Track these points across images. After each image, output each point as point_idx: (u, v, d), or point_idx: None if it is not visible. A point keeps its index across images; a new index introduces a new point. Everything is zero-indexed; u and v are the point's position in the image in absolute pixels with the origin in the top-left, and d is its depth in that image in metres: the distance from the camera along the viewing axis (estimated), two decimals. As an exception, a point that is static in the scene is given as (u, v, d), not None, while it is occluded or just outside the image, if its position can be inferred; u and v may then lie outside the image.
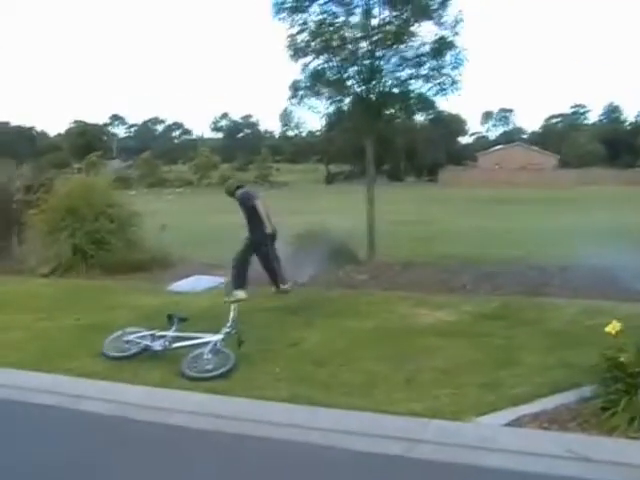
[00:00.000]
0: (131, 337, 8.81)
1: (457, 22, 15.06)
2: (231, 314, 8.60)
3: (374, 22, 15.14)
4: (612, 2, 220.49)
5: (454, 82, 15.52)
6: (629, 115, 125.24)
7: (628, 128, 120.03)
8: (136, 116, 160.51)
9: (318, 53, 15.28)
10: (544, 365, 7.82)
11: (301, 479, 5.49)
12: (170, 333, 8.70)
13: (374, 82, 15.21)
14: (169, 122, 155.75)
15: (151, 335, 8.75)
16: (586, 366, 6.92)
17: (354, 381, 7.54)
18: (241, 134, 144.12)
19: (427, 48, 15.28)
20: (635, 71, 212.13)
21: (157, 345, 8.57)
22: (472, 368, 7.86)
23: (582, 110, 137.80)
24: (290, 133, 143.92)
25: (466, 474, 5.44)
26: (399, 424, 6.34)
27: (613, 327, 6.48)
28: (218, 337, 8.31)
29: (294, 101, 17.06)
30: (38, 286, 14.27)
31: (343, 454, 5.81)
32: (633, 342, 6.45)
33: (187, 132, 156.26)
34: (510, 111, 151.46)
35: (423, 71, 15.45)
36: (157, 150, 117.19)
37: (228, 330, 8.42)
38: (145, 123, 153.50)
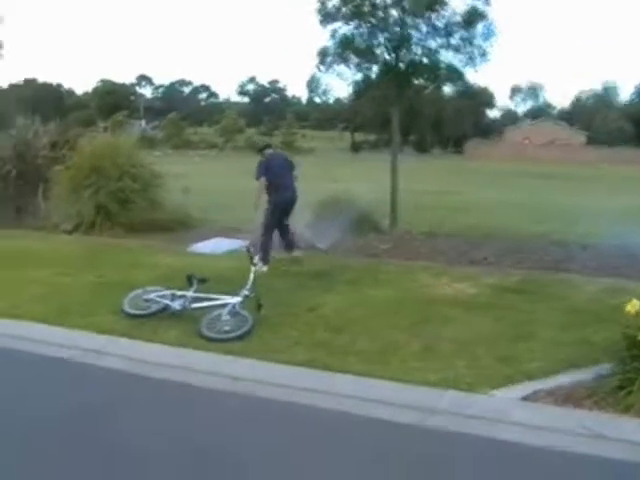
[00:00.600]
0: (151, 295, 8.87)
1: (489, -8, 14.86)
2: (251, 277, 8.63)
3: (406, -12, 14.94)
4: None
5: (484, 54, 15.35)
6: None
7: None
8: (163, 77, 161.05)
9: (348, 19, 15.13)
10: (562, 341, 7.78)
11: (313, 443, 5.50)
12: (189, 293, 8.75)
13: (403, 51, 15.08)
14: (196, 84, 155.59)
15: (171, 294, 8.81)
16: (605, 344, 6.92)
17: (371, 348, 7.56)
18: (268, 99, 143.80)
19: (458, 18, 15.10)
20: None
21: (176, 305, 8.63)
22: (490, 341, 7.84)
23: (613, 88, 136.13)
24: (317, 100, 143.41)
25: (479, 446, 5.44)
26: (414, 393, 6.36)
27: (633, 306, 6.43)
28: (237, 299, 8.35)
29: (322, 67, 16.91)
30: (61, 243, 14.37)
31: (357, 420, 5.83)
32: (653, 322, 6.41)
33: (214, 95, 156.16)
34: (540, 86, 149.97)
35: (453, 41, 15.29)
36: (183, 112, 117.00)
37: (247, 293, 8.46)
38: (172, 84, 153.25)
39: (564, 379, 6.64)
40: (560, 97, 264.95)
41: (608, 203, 24.88)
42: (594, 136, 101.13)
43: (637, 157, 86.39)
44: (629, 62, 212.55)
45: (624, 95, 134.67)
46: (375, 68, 16.49)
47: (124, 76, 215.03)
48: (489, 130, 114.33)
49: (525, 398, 6.28)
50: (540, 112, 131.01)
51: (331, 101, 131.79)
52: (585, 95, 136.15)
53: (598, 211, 19.81)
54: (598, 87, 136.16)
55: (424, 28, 15.06)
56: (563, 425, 5.75)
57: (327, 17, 15.18)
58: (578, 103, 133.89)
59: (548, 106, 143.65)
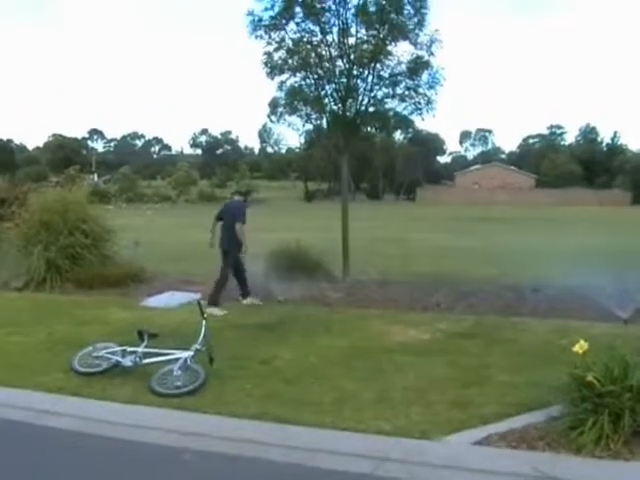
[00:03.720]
0: (101, 352, 8.74)
1: (433, 42, 15.13)
2: (202, 330, 8.57)
3: (351, 41, 15.16)
4: (588, 27, 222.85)
5: (429, 102, 15.58)
6: (605, 136, 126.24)
7: (604, 149, 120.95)
8: (115, 130, 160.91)
9: (295, 70, 15.30)
10: (514, 384, 7.84)
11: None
12: (140, 349, 8.64)
13: (350, 100, 15.25)
14: (148, 137, 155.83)
15: (122, 351, 8.68)
16: (555, 385, 6.95)
17: (324, 399, 7.52)
18: (220, 150, 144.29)
19: (403, 67, 15.35)
20: (610, 93, 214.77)
21: (127, 361, 8.51)
22: (443, 386, 7.87)
23: (559, 131, 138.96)
24: (269, 150, 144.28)
25: (434, 493, 5.43)
26: (367, 442, 6.33)
27: (580, 346, 6.51)
28: (188, 354, 8.26)
29: (273, 118, 17.17)
30: (10, 300, 14.15)
31: (309, 472, 5.78)
32: (601, 362, 6.48)
33: (166, 147, 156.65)
34: (488, 131, 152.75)
35: (399, 90, 15.51)
36: (136, 165, 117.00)
37: (198, 347, 8.38)
38: (124, 138, 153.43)
39: (517, 422, 6.67)
40: (507, 141, 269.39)
41: (559, 244, 25.29)
42: (543, 179, 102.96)
43: (586, 198, 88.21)
44: (573, 105, 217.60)
45: (570, 137, 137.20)
46: (324, 118, 16.66)
47: (75, 130, 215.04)
48: (440, 176, 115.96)
49: (478, 442, 6.29)
50: (489, 156, 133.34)
51: (283, 151, 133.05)
52: (532, 139, 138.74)
53: (549, 253, 20.12)
54: (544, 130, 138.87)
55: (370, 78, 15.25)
56: (516, 468, 5.76)
57: (274, 69, 15.33)
58: (526, 147, 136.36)
59: (497, 150, 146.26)
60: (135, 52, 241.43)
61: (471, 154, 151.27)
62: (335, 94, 15.28)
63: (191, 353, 8.27)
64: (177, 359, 8.22)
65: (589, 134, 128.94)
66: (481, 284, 14.83)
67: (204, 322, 8.65)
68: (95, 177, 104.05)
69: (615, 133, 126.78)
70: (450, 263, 19.55)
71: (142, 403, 7.54)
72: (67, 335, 10.64)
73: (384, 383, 8.05)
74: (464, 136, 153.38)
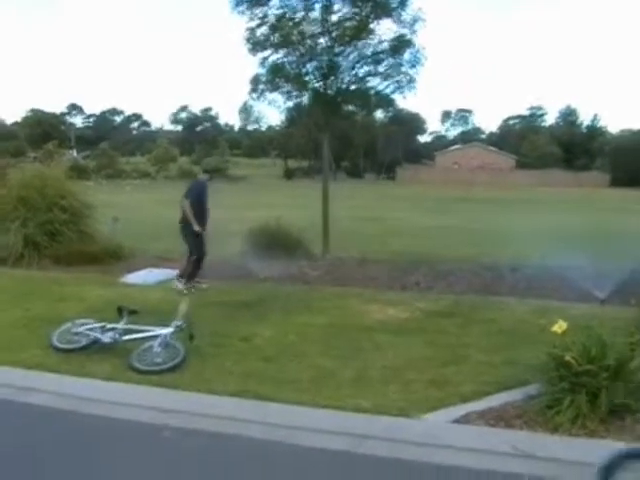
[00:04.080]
0: (81, 329, 8.70)
1: (416, 20, 15.10)
2: (182, 307, 8.55)
3: (333, 18, 15.10)
4: (571, 8, 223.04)
5: (411, 80, 15.58)
6: (585, 119, 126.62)
7: (584, 131, 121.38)
8: (94, 106, 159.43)
9: (277, 47, 15.23)
10: (492, 363, 7.90)
11: (245, 475, 5.46)
12: (120, 325, 8.63)
13: (332, 78, 15.20)
14: (128, 113, 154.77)
15: (101, 327, 8.65)
16: (533, 365, 7.01)
17: (303, 377, 7.55)
18: (200, 127, 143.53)
19: (385, 46, 15.31)
20: (591, 75, 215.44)
21: (107, 337, 8.49)
22: (421, 365, 7.91)
23: (539, 112, 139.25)
24: (249, 127, 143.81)
25: (413, 470, 5.45)
26: (346, 420, 6.36)
27: (560, 326, 6.56)
28: (168, 330, 8.25)
29: (254, 95, 16.98)
30: (-13, 276, 14.04)
31: (290, 449, 5.80)
32: (579, 342, 6.54)
33: (146, 124, 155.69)
34: (469, 111, 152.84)
35: (381, 69, 15.49)
36: (115, 141, 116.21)
37: (179, 323, 8.36)
38: (103, 113, 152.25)
39: (495, 400, 6.73)
40: (488, 122, 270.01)
41: (537, 225, 25.42)
42: (523, 160, 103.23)
43: (565, 179, 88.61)
44: (554, 87, 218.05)
45: (549, 119, 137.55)
46: (306, 95, 16.60)
47: (54, 105, 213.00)
48: (420, 155, 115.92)
49: (457, 421, 6.34)
50: (470, 136, 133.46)
51: (263, 128, 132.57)
52: (513, 120, 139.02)
53: (527, 233, 20.18)
54: (525, 112, 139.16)
55: (352, 56, 15.20)
56: (494, 446, 5.81)
57: (256, 45, 15.25)
58: (506, 127, 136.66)
59: (477, 130, 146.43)
60: (115, 27, 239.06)
61: (451, 134, 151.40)
62: (317, 72, 15.25)
63: (171, 330, 8.26)
64: (157, 336, 8.21)
65: (569, 116, 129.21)
66: (460, 264, 14.89)
67: (185, 298, 8.65)
68: (74, 153, 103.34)
69: (595, 115, 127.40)
70: (429, 242, 19.61)
71: (121, 380, 7.53)
72: (45, 312, 10.57)
73: (363, 361, 8.07)
74: (445, 116, 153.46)
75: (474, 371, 7.65)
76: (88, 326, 8.74)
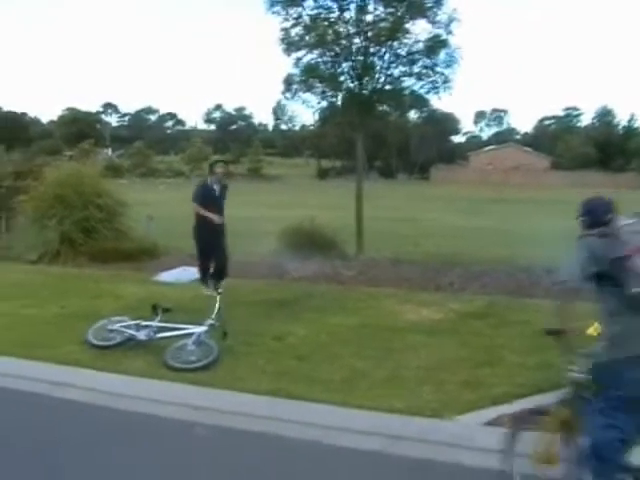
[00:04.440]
0: (116, 326, 8.80)
1: (451, 21, 15.11)
2: (216, 306, 8.60)
3: (368, 18, 15.14)
4: (606, 6, 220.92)
5: (446, 81, 15.56)
6: (622, 119, 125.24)
7: (620, 132, 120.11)
8: (129, 105, 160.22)
9: (312, 47, 15.29)
10: (526, 365, 7.85)
11: (278, 473, 5.48)
12: (154, 323, 8.71)
13: (367, 78, 15.21)
14: (162, 112, 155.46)
15: (136, 325, 8.75)
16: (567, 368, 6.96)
17: (337, 377, 7.56)
18: (234, 126, 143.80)
19: (421, 46, 15.30)
20: (628, 74, 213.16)
21: (141, 335, 8.58)
22: (455, 366, 7.89)
23: (575, 112, 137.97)
24: (283, 127, 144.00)
25: (445, 472, 5.45)
26: (379, 420, 6.36)
27: (595, 329, 6.51)
28: (202, 329, 8.31)
29: (288, 95, 17.15)
30: (25, 273, 14.23)
31: (323, 448, 5.82)
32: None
33: (180, 123, 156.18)
34: (504, 111, 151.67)
35: (416, 69, 15.48)
36: (150, 140, 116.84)
37: (212, 322, 8.42)
38: (138, 112, 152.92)
39: (527, 404, 6.67)
40: (523, 122, 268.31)
41: (573, 227, 25.16)
42: (558, 161, 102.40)
43: (601, 181, 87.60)
44: (590, 87, 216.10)
45: (585, 119, 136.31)
46: (340, 95, 16.63)
47: (90, 104, 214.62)
48: (454, 155, 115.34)
49: (489, 423, 6.31)
50: (504, 137, 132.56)
51: (297, 128, 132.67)
52: (548, 120, 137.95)
53: (562, 235, 19.99)
54: (560, 112, 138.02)
55: (387, 56, 15.20)
56: (526, 449, 5.77)
57: (290, 46, 15.31)
58: (541, 128, 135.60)
59: (512, 131, 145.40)
60: (150, 26, 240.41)
61: (486, 134, 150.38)
62: (352, 72, 15.26)
63: (205, 328, 8.32)
64: (191, 334, 8.27)
65: (605, 116, 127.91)
66: (494, 265, 14.81)
67: (218, 297, 8.69)
68: (109, 151, 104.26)
69: (632, 115, 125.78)
70: (462, 243, 19.54)
71: (156, 377, 7.60)
72: (80, 308, 10.71)
73: (396, 362, 8.07)
74: (479, 116, 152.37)
75: (507, 373, 7.62)
76: (123, 323, 8.85)
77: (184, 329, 8.47)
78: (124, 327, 8.76)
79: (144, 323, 8.76)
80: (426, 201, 47.34)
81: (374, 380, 7.46)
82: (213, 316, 8.49)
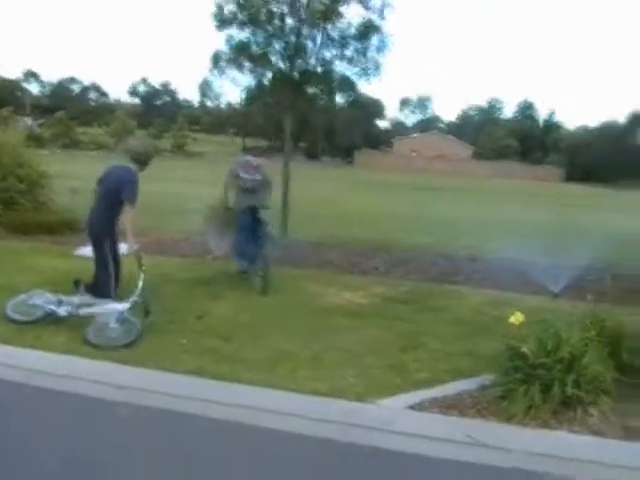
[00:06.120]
0: (36, 301, 8.55)
1: (385, 6, 15.10)
2: (139, 283, 8.48)
3: (302, -1, 15.02)
4: (532, 2, 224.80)
5: (377, 66, 15.60)
6: (542, 114, 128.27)
7: (540, 126, 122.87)
8: (52, 74, 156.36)
9: (244, 25, 15.12)
10: (448, 352, 7.98)
11: (199, 453, 5.45)
12: (77, 299, 8.53)
13: (298, 60, 15.15)
14: (86, 84, 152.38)
15: (57, 300, 8.51)
16: (489, 355, 7.12)
17: (260, 357, 7.53)
18: (159, 101, 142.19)
19: (353, 30, 15.28)
20: (548, 71, 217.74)
21: (62, 310, 8.37)
22: (378, 350, 7.95)
23: (498, 105, 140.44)
24: (209, 104, 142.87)
25: (366, 455, 5.48)
26: (303, 402, 6.37)
27: (517, 318, 6.65)
28: (125, 306, 8.18)
29: (215, 72, 16.86)
30: (-61, 242, 13.80)
31: (245, 430, 5.79)
32: (535, 334, 6.65)
33: (104, 95, 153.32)
34: (428, 99, 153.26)
35: (348, 53, 15.46)
36: (72, 111, 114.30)
37: (136, 299, 8.30)
38: (61, 82, 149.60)
39: (450, 389, 6.80)
40: (447, 111, 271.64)
41: (494, 216, 25.67)
42: (480, 151, 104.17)
43: (522, 172, 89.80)
44: (513, 80, 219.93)
45: (507, 112, 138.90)
46: (269, 75, 16.53)
47: (10, 71, 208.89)
48: (378, 141, 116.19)
49: (412, 407, 6.39)
50: (429, 124, 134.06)
51: (223, 105, 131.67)
52: (472, 110, 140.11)
53: (484, 224, 20.41)
54: (484, 103, 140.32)
55: (319, 38, 15.16)
56: (449, 434, 5.87)
57: (223, 22, 15.13)
58: (465, 117, 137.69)
59: (436, 119, 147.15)
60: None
61: (410, 121, 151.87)
62: (283, 52, 15.17)
63: (128, 305, 8.18)
64: (113, 311, 8.14)
65: (527, 110, 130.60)
66: (418, 251, 15.00)
67: (142, 274, 8.56)
68: (29, 120, 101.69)
69: (551, 111, 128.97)
70: (387, 229, 19.67)
71: (76, 354, 7.43)
72: (-1, 281, 10.42)
73: (320, 344, 8.08)
74: (404, 103, 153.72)
75: (430, 359, 7.72)
76: (44, 298, 8.60)
77: (106, 305, 8.32)
78: (45, 302, 8.52)
79: (65, 299, 8.54)
80: (350, 185, 47.55)
81: (298, 362, 7.46)
82: (137, 293, 8.37)
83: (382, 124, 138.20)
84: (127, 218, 8.70)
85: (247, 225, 11.84)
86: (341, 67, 15.91)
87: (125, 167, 9.14)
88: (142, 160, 9.21)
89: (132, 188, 8.73)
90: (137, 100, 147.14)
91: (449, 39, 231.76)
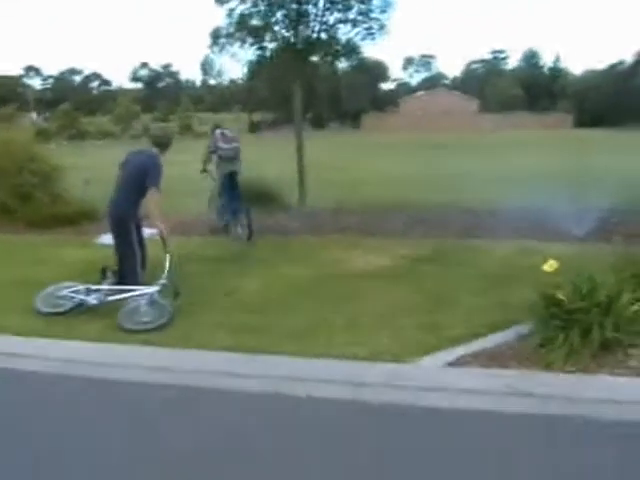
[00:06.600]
0: (65, 292, 8.57)
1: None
2: (166, 265, 8.47)
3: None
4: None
5: (382, 27, 15.43)
6: (548, 61, 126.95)
7: (547, 73, 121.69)
8: (52, 67, 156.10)
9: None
10: (481, 305, 7.94)
11: (244, 429, 5.45)
12: (105, 286, 8.55)
13: (301, 27, 14.99)
14: (87, 73, 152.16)
15: (86, 289, 8.53)
16: (523, 305, 7.06)
17: (294, 327, 7.53)
18: (162, 84, 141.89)
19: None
20: (553, 17, 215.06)
21: (92, 299, 8.39)
22: (411, 310, 7.94)
23: (502, 55, 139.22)
24: (211, 82, 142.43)
25: (412, 415, 5.47)
26: (343, 368, 6.37)
27: (550, 265, 6.60)
28: (154, 289, 8.18)
29: (215, 49, 16.77)
30: (-40, 243, 13.84)
31: (291, 400, 5.79)
32: (568, 280, 6.60)
33: (106, 83, 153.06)
34: (432, 57, 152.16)
35: (351, 15, 15.28)
36: (76, 102, 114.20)
37: (164, 281, 8.30)
38: (62, 74, 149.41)
39: (487, 342, 6.77)
40: (452, 67, 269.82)
41: (508, 167, 25.50)
42: (487, 104, 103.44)
43: (530, 121, 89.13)
44: (516, 29, 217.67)
45: (512, 62, 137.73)
46: (271, 47, 16.36)
47: (10, 68, 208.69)
48: (384, 103, 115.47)
49: (451, 364, 6.37)
50: (434, 82, 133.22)
51: (226, 82, 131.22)
52: (476, 64, 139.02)
53: (499, 176, 20.26)
54: (487, 56, 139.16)
55: (321, 3, 14.97)
56: (490, 386, 5.86)
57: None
58: (469, 72, 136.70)
59: (441, 76, 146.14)
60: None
61: (415, 80, 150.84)
62: (286, 20, 15.00)
63: (157, 288, 8.18)
64: (143, 294, 8.15)
65: (532, 58, 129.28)
66: (436, 210, 14.93)
67: (168, 256, 8.55)
68: (34, 115, 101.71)
69: (557, 56, 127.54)
70: (401, 190, 19.55)
71: (112, 341, 7.44)
72: (24, 276, 10.41)
73: (352, 309, 8.08)
74: (407, 62, 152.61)
75: (464, 314, 7.69)
76: (72, 289, 8.60)
77: (136, 290, 8.32)
78: (73, 292, 8.54)
79: (94, 287, 8.56)
80: (359, 149, 47.34)
81: (332, 328, 7.45)
82: (164, 275, 8.37)
83: (387, 86, 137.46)
84: (152, 201, 8.65)
85: (229, 187, 13.13)
86: (345, 30, 15.73)
87: (148, 151, 9.16)
88: (164, 143, 9.23)
89: (157, 171, 8.70)
90: (140, 85, 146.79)
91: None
